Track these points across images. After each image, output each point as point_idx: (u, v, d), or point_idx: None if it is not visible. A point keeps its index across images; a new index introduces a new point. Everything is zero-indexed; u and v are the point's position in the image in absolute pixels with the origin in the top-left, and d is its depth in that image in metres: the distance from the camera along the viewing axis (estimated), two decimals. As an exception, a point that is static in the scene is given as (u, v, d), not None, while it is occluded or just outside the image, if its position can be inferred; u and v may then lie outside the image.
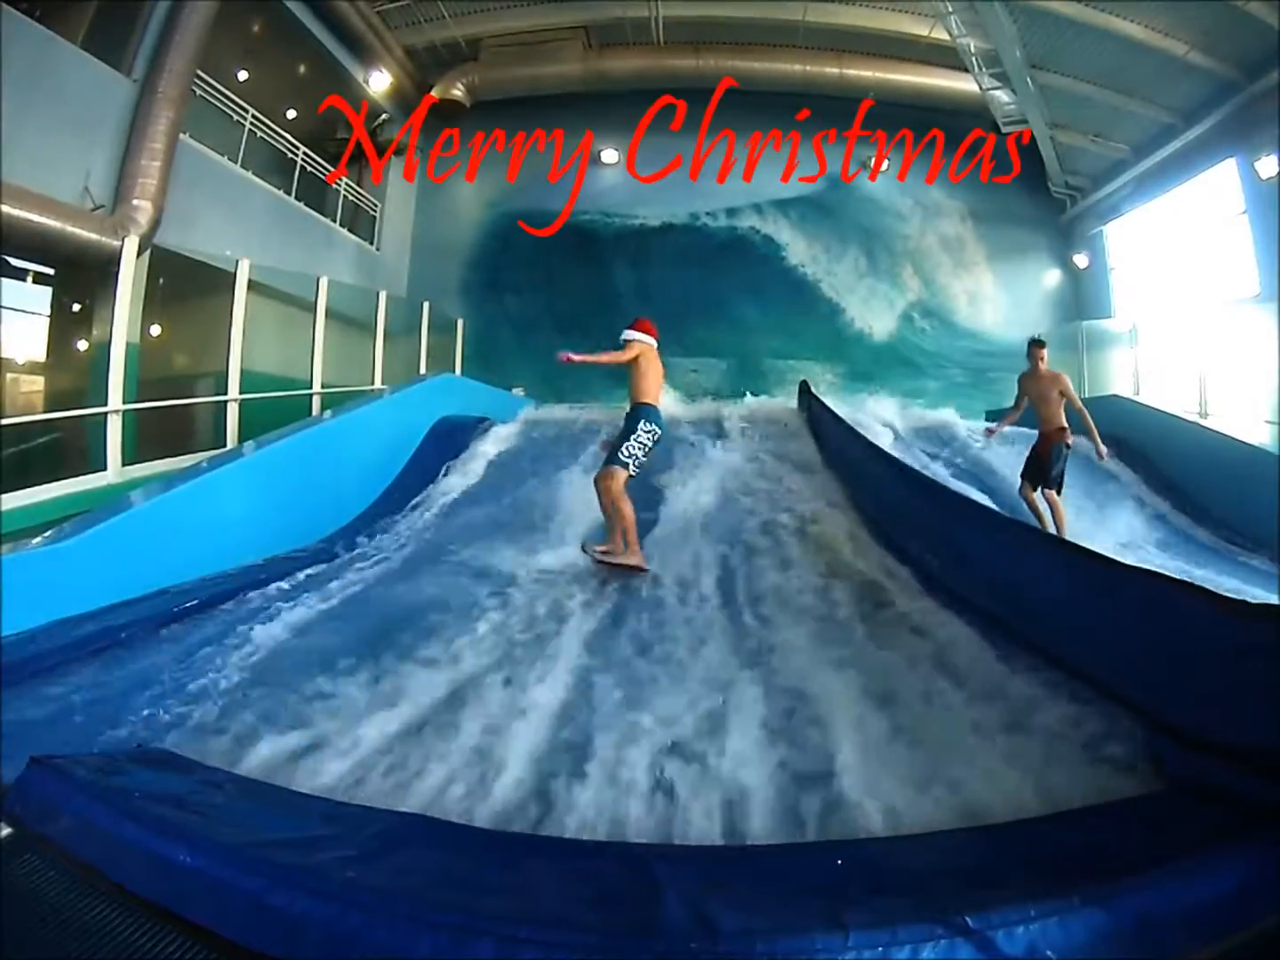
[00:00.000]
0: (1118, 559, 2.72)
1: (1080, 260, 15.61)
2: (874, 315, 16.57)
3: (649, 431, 5.19)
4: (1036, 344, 7.07)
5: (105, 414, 7.56)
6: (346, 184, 14.69)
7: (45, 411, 8.35)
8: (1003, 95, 13.56)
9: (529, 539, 5.66)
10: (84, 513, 4.71)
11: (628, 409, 5.35)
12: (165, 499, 4.93)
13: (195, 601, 4.23)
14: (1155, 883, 1.59)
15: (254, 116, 11.80)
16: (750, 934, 1.48)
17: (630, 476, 5.11)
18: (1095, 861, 1.74)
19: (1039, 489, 6.71)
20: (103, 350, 8.06)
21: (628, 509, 5.04)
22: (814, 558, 5.07)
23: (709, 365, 15.60)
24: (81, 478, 7.14)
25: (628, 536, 5.02)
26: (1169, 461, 8.17)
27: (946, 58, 14.20)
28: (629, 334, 5.39)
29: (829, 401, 8.34)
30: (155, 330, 9.72)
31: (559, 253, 16.70)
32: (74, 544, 4.07)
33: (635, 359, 5.30)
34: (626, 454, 5.11)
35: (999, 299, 16.60)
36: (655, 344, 5.41)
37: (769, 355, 15.97)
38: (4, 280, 7.88)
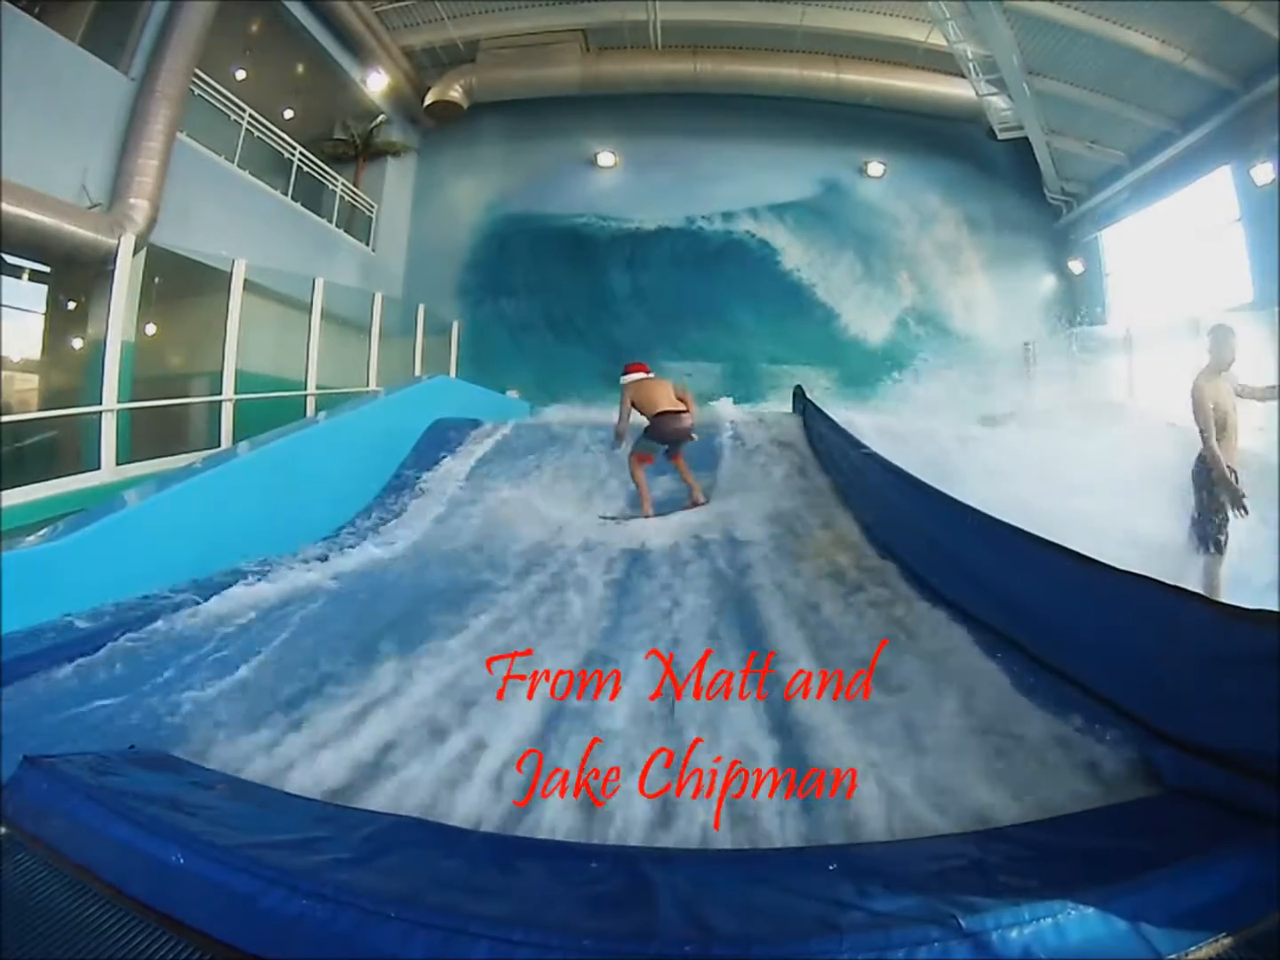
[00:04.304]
0: (1112, 564, 2.71)
1: (1076, 266, 15.65)
2: (869, 320, 16.57)
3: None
4: None
5: (100, 413, 7.54)
6: (343, 185, 14.69)
7: (40, 410, 8.33)
8: (1000, 101, 13.62)
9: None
10: (78, 512, 4.70)
11: None
12: (159, 499, 4.92)
13: (188, 601, 4.21)
14: (1150, 886, 1.59)
15: (251, 116, 11.79)
16: (745, 938, 1.48)
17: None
18: (1090, 865, 1.74)
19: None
20: (98, 349, 8.03)
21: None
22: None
23: (703, 369, 15.60)
24: (76, 476, 7.12)
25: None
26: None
27: (944, 63, 14.26)
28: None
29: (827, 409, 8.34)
30: (151, 329, 9.71)
31: (554, 256, 16.72)
32: (68, 543, 4.06)
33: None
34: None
35: (994, 304, 16.62)
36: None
37: (764, 360, 15.98)
38: (0, 277, 7.86)
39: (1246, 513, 4.68)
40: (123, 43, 9.08)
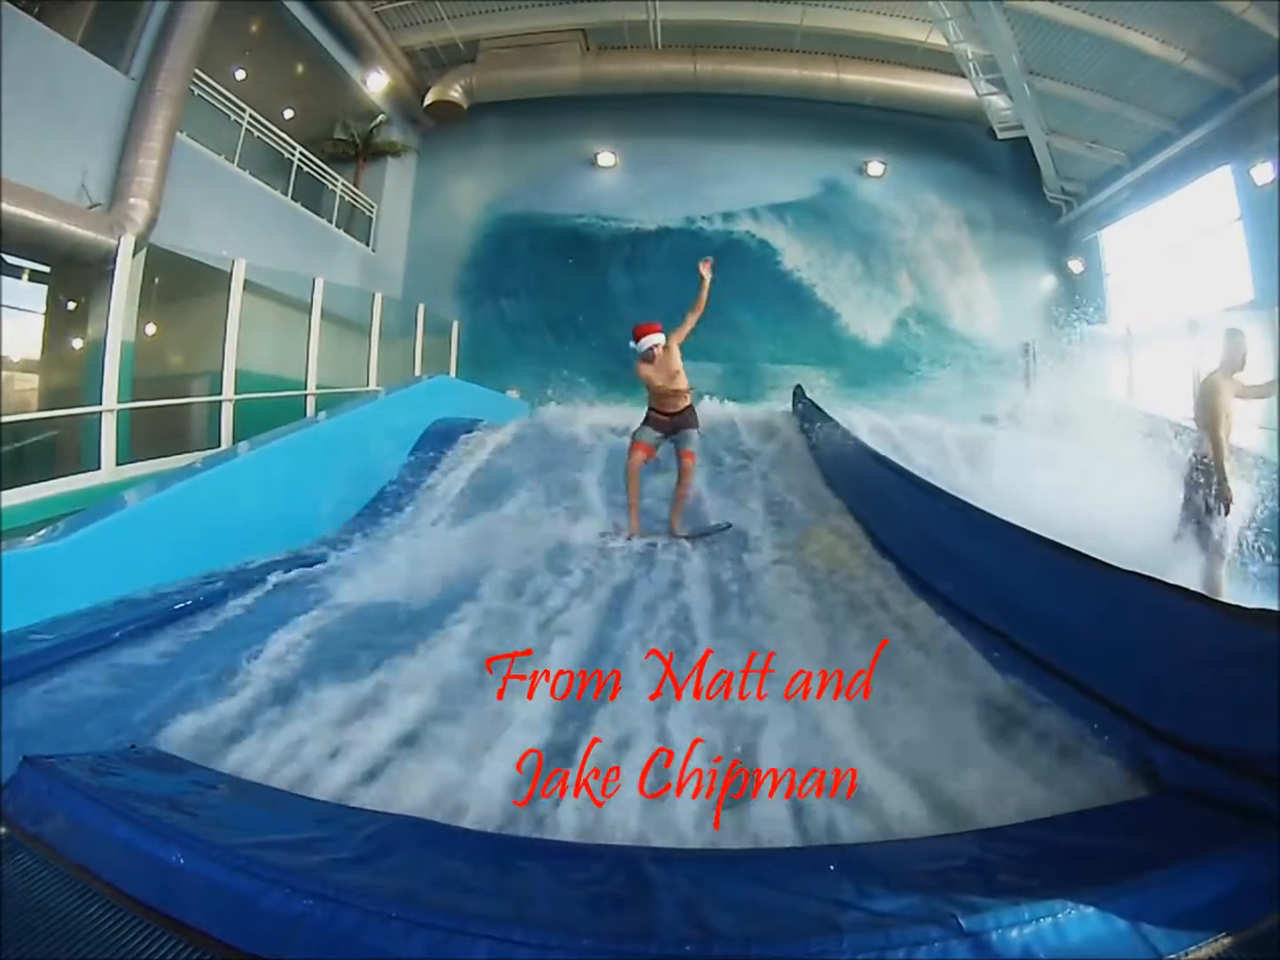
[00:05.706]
0: (1114, 564, 2.70)
1: (1075, 266, 15.64)
2: (869, 320, 16.54)
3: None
4: None
5: (100, 413, 7.53)
6: (343, 185, 14.69)
7: (40, 410, 8.33)
8: (1000, 101, 13.62)
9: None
10: (78, 512, 4.69)
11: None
12: (159, 499, 4.92)
13: (188, 602, 4.20)
14: (1149, 886, 1.60)
15: (251, 116, 11.79)
16: (745, 938, 1.48)
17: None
18: (1090, 864, 1.74)
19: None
20: (98, 349, 8.03)
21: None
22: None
23: (704, 369, 15.55)
24: (75, 477, 7.11)
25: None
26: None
27: (944, 63, 14.26)
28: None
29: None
30: (151, 329, 9.71)
31: (554, 256, 16.69)
32: (67, 543, 4.05)
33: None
34: None
35: (994, 304, 16.60)
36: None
37: (764, 360, 15.94)
38: (1, 277, 7.85)
39: (1227, 511, 4.73)
40: (123, 43, 9.08)
